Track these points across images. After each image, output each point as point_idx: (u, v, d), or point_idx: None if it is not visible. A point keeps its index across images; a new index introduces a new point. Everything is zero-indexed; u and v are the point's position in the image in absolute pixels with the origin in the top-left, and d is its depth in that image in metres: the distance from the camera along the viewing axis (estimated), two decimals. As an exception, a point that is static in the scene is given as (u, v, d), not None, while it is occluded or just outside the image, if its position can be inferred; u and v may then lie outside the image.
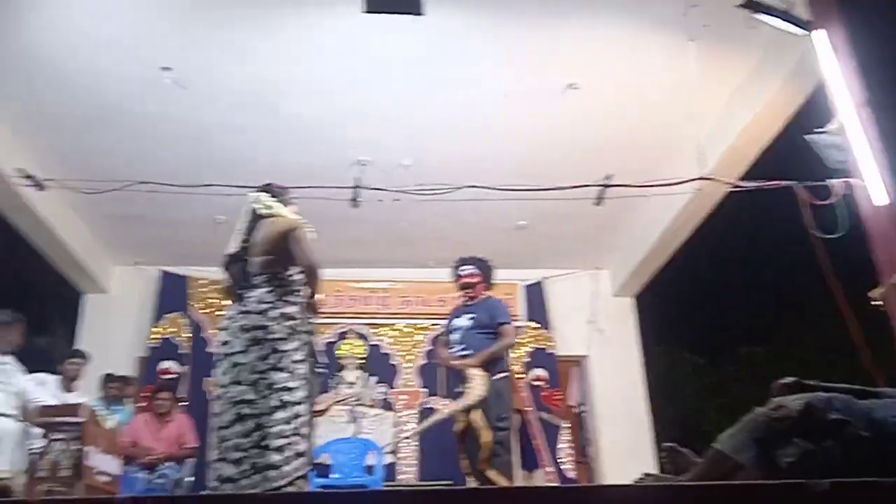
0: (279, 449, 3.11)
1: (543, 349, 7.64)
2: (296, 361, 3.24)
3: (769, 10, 3.81)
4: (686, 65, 4.33)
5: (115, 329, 7.37)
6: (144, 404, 6.55)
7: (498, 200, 5.23)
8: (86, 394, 5.39)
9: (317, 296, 3.45)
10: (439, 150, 5.14)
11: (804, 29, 3.87)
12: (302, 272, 3.39)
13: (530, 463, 7.45)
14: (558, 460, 7.24)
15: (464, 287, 4.76)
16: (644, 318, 7.96)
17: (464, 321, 4.65)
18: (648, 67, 4.87)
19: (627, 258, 7.42)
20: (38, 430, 4.27)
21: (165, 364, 7.24)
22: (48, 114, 5.22)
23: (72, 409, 4.38)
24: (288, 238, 3.36)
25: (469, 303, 4.76)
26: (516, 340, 7.44)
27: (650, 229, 6.72)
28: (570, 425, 7.57)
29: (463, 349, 4.57)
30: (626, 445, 7.16)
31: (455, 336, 4.67)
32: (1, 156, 5.19)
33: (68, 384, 5.29)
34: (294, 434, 3.16)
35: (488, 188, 4.83)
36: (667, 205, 6.00)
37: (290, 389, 3.18)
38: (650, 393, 7.65)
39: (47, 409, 4.42)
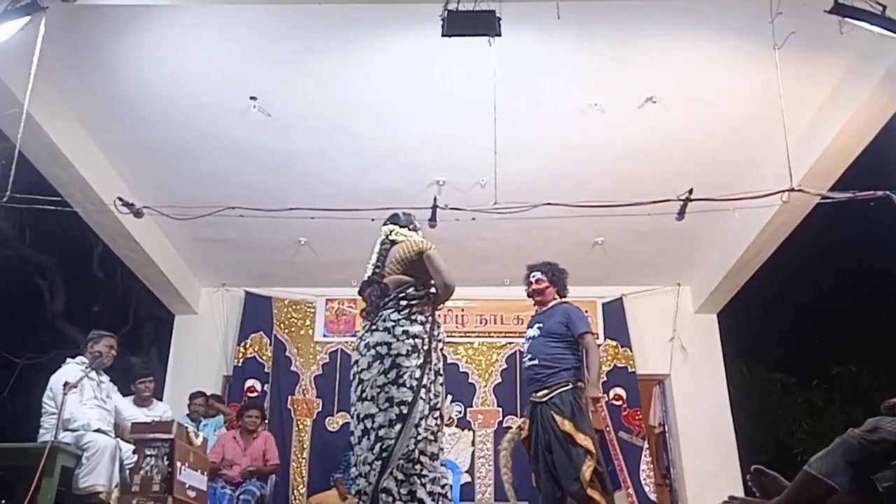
0: (397, 465, 3.17)
1: (623, 367, 7.50)
2: (416, 378, 3.29)
3: (860, 15, 3.66)
4: (772, 74, 4.19)
5: (203, 348, 7.67)
6: (230, 421, 6.76)
7: (576, 217, 5.18)
8: (156, 408, 5.60)
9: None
10: (516, 167, 5.13)
11: (898, 32, 3.70)
12: (432, 291, 3.50)
13: (611, 484, 7.31)
14: (640, 482, 7.07)
15: (532, 294, 4.59)
16: (728, 336, 7.72)
17: (533, 331, 4.49)
18: (731, 78, 4.76)
19: (710, 274, 7.22)
20: (131, 446, 4.47)
21: (250, 382, 7.46)
22: (144, 146, 5.53)
23: (163, 426, 4.56)
24: (421, 259, 3.48)
25: (539, 311, 4.59)
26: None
27: (734, 244, 6.53)
28: (651, 446, 7.40)
29: (530, 359, 4.41)
30: (710, 467, 6.96)
31: (526, 346, 4.53)
32: (102, 186, 5.51)
33: (141, 402, 5.52)
34: (415, 450, 3.22)
35: (566, 205, 4.77)
36: (752, 219, 5.81)
37: (407, 403, 3.23)
38: (735, 413, 7.41)
39: (139, 426, 4.62)
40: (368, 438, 3.25)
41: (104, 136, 5.42)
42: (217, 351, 7.66)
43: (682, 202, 4.91)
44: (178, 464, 4.33)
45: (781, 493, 2.48)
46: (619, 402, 7.39)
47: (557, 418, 4.13)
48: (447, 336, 7.42)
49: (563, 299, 4.59)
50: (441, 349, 3.56)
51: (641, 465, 7.13)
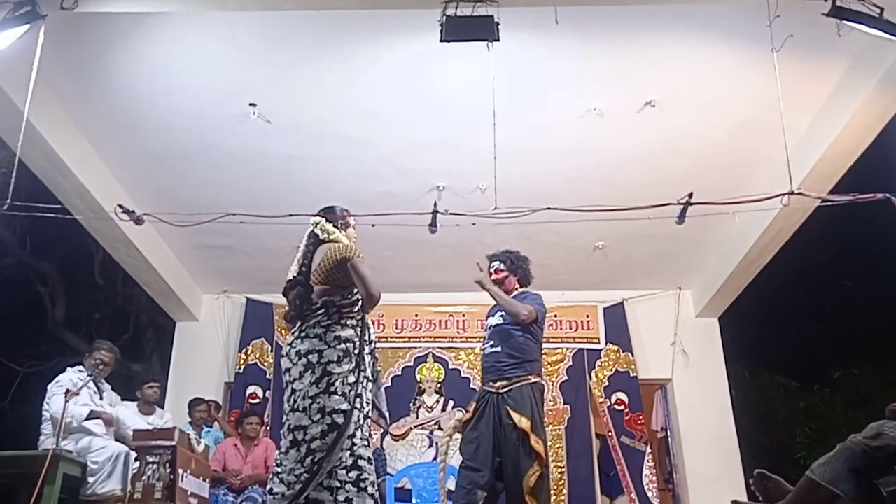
0: (331, 474, 3.13)
1: (625, 372, 7.48)
2: (350, 383, 3.23)
3: (858, 17, 3.66)
4: (770, 77, 4.20)
5: (204, 355, 7.65)
6: (232, 428, 6.75)
7: (576, 222, 5.18)
8: (161, 416, 5.61)
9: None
10: (516, 172, 5.14)
11: (896, 35, 3.70)
12: (359, 297, 3.39)
13: (613, 489, 7.29)
14: (642, 486, 7.05)
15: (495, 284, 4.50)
16: (729, 340, 7.70)
17: (495, 319, 4.44)
18: (730, 81, 4.76)
19: (711, 278, 7.21)
20: (132, 454, 4.48)
21: (252, 389, 7.45)
22: (144, 153, 5.53)
23: (165, 433, 4.57)
24: (345, 268, 3.36)
25: None
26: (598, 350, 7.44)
27: (735, 248, 6.52)
28: (653, 450, 7.38)
29: (493, 346, 4.34)
30: (712, 471, 6.93)
31: (487, 334, 4.48)
32: (103, 194, 5.52)
33: (146, 408, 5.53)
34: (351, 457, 3.17)
35: (566, 210, 4.77)
36: (753, 222, 5.81)
37: (341, 412, 3.17)
38: (738, 417, 7.38)
39: (141, 433, 4.62)
40: (298, 450, 3.16)
41: (104, 143, 5.42)
42: (218, 358, 7.64)
43: (682, 206, 4.91)
44: (180, 471, 4.34)
45: (784, 498, 2.47)
46: (621, 407, 7.37)
47: (515, 415, 4.05)
48: (448, 342, 7.57)
49: (525, 289, 4.53)
50: (373, 353, 3.47)
51: (644, 470, 7.11)
